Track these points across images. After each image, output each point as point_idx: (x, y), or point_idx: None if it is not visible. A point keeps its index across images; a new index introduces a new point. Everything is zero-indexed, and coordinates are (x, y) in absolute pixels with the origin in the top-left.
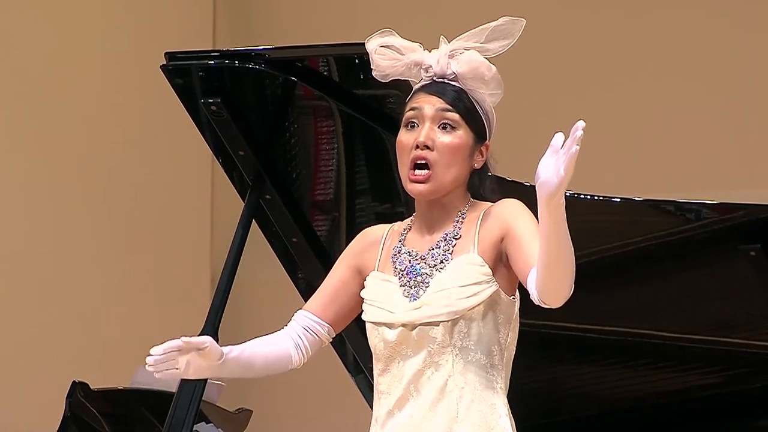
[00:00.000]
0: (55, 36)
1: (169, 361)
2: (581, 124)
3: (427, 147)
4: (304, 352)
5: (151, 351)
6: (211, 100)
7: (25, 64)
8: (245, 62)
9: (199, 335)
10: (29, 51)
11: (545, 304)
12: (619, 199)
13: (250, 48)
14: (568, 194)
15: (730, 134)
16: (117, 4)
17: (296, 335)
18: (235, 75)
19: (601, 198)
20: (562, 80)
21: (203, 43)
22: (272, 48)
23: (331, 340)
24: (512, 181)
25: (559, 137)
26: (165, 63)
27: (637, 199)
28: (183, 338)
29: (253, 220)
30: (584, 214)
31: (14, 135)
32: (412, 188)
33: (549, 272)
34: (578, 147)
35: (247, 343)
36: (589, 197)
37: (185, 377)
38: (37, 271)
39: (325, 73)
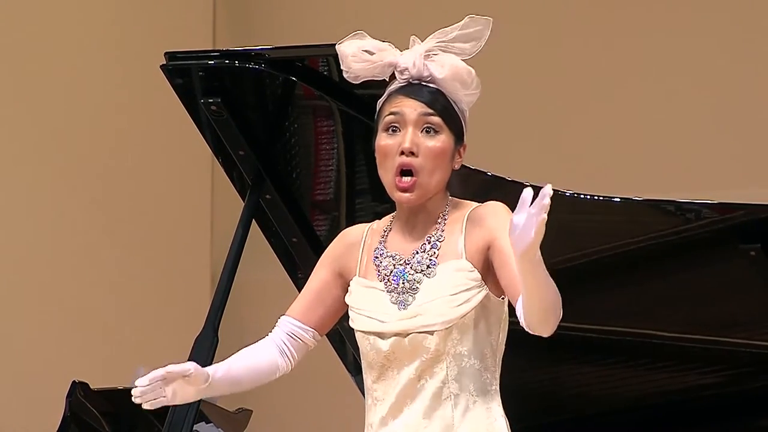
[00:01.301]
0: (54, 35)
1: (156, 390)
2: (548, 191)
3: (413, 153)
4: (290, 357)
5: (137, 382)
6: (211, 100)
7: (25, 64)
8: (245, 62)
9: (199, 336)
10: (28, 50)
11: (534, 332)
12: (619, 199)
13: (250, 48)
14: (568, 194)
15: (730, 134)
16: (117, 4)
17: (281, 342)
18: (235, 75)
19: (601, 198)
20: (564, 80)
21: (203, 43)
22: (272, 48)
23: (317, 343)
24: (512, 181)
25: (528, 193)
26: (165, 63)
27: (637, 199)
28: (168, 368)
29: (253, 220)
30: (584, 214)
31: (13, 135)
32: (399, 197)
33: (533, 310)
34: (545, 216)
35: (232, 359)
36: (589, 197)
37: (173, 404)
38: (36, 271)
39: (325, 73)
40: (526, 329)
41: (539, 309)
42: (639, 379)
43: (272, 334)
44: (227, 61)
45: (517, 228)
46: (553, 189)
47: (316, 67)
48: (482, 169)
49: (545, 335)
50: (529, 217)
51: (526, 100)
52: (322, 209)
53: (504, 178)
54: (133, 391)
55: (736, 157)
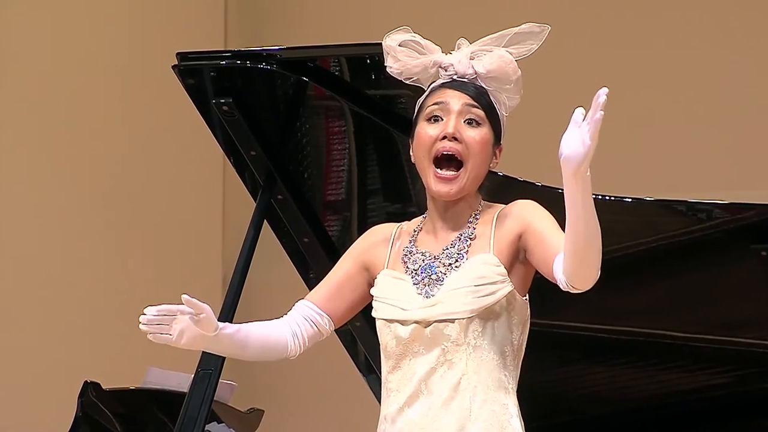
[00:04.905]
0: (65, 37)
1: (162, 324)
2: (604, 90)
3: (455, 138)
4: (301, 342)
5: (145, 310)
6: (222, 100)
7: (36, 65)
8: (257, 62)
9: None
10: (40, 52)
11: (574, 288)
12: (630, 199)
13: (261, 48)
14: None
15: (740, 134)
16: (128, 5)
17: (295, 324)
18: (247, 75)
19: (612, 198)
20: (573, 82)
21: (215, 44)
22: (284, 48)
23: (330, 333)
24: (524, 181)
25: (580, 111)
26: (177, 63)
27: (648, 199)
28: (184, 296)
29: (265, 220)
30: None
31: (26, 136)
32: (439, 188)
33: (578, 254)
34: (602, 113)
35: (244, 324)
36: (600, 197)
37: (177, 345)
38: (48, 271)
39: (337, 73)
40: (566, 285)
41: (585, 250)
42: (649, 380)
43: (287, 316)
44: (239, 62)
45: (569, 143)
46: (562, 191)
47: (327, 67)
48: (493, 170)
49: (585, 287)
50: (582, 127)
51: (534, 102)
52: (333, 209)
53: (515, 179)
54: (140, 318)
55: (747, 158)
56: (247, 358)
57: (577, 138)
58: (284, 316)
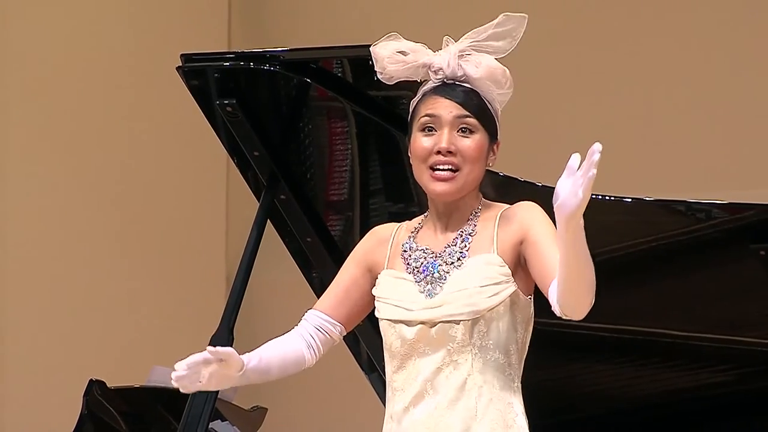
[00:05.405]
0: (70, 37)
1: (194, 374)
2: (598, 147)
3: (450, 152)
4: (316, 351)
5: (176, 366)
6: (226, 101)
7: (41, 66)
8: (260, 63)
9: (214, 335)
10: (44, 52)
11: (566, 316)
12: (630, 199)
13: (264, 49)
14: None
15: (740, 134)
16: (133, 6)
17: (308, 335)
18: (250, 76)
19: (612, 198)
20: (573, 83)
21: (219, 45)
22: (287, 49)
23: (341, 338)
24: (524, 181)
25: (575, 158)
26: (181, 64)
27: (648, 198)
28: (209, 348)
29: (268, 220)
30: (595, 214)
31: (30, 137)
32: (435, 187)
33: (570, 289)
34: (595, 171)
35: (262, 349)
36: (600, 197)
37: (208, 389)
38: (53, 271)
39: (339, 75)
40: (559, 312)
41: (577, 286)
42: (650, 378)
43: (299, 328)
44: (242, 63)
45: (563, 192)
46: None
47: (330, 68)
48: (494, 170)
49: (578, 317)
50: (576, 179)
51: (534, 101)
52: (336, 209)
53: (516, 179)
54: (172, 375)
55: (747, 158)
56: (271, 380)
57: (571, 189)
58: (295, 327)
